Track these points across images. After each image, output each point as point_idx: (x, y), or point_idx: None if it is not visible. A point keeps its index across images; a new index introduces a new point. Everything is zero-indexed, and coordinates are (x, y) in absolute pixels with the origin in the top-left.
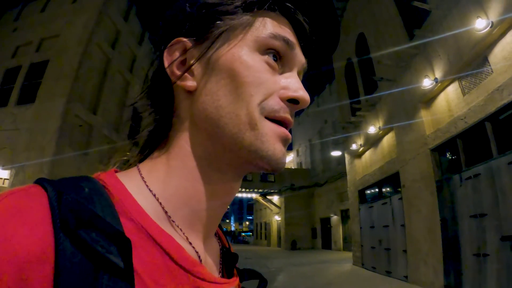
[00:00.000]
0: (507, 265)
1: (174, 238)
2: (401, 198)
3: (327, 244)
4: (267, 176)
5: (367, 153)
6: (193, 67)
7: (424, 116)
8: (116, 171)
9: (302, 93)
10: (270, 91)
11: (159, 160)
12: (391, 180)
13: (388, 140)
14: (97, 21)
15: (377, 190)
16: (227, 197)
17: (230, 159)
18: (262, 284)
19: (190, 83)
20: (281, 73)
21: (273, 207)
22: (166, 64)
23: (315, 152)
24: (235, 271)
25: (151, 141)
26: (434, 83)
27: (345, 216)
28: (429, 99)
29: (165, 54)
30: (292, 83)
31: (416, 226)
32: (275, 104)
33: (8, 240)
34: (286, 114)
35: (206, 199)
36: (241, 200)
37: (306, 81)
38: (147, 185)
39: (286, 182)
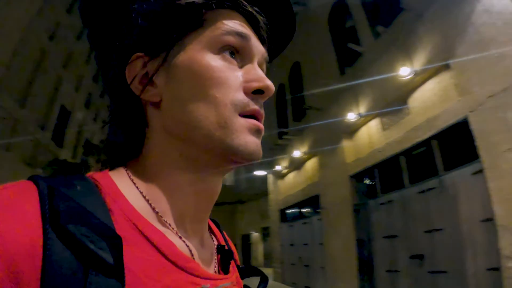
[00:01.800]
0: (416, 280)
1: (166, 235)
2: (320, 219)
3: (247, 260)
4: None
5: (291, 175)
6: (154, 78)
7: (346, 145)
8: (109, 170)
9: (265, 82)
10: (234, 88)
11: (139, 165)
12: (312, 201)
13: (311, 164)
14: (39, 8)
15: (298, 210)
16: (211, 195)
17: (206, 160)
18: (264, 282)
19: (154, 95)
20: (241, 66)
21: None
22: (128, 80)
23: (240, 170)
24: (232, 268)
25: (125, 151)
26: (358, 117)
27: (265, 234)
28: (352, 130)
29: (126, 71)
30: (253, 74)
31: (334, 245)
32: (242, 99)
33: None
34: (255, 106)
35: (191, 199)
36: None
37: None
38: (136, 185)
39: None
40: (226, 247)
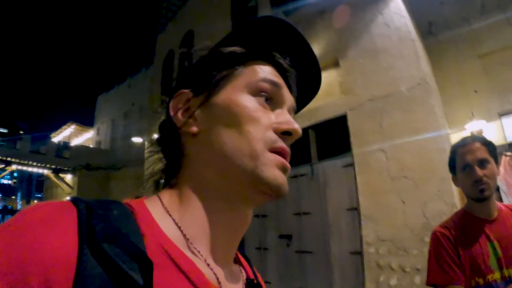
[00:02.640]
0: (284, 258)
1: (195, 262)
2: None
3: None
4: (62, 152)
5: None
6: (195, 113)
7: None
8: (145, 198)
9: (293, 125)
10: (265, 126)
11: (174, 193)
12: None
13: None
14: None
15: None
16: (241, 225)
17: (237, 190)
18: None
19: (194, 127)
20: (273, 110)
21: (65, 186)
22: (171, 113)
23: (117, 134)
24: None
25: (166, 177)
26: None
27: None
28: None
29: (170, 104)
30: (283, 118)
31: None
32: (272, 137)
33: (38, 244)
34: (283, 144)
35: (221, 227)
36: (30, 175)
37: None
38: (168, 213)
39: (82, 161)
40: (255, 281)
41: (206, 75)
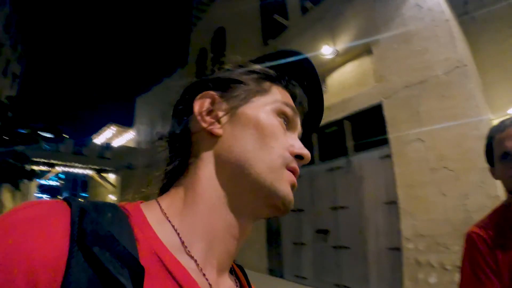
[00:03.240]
0: (320, 253)
1: (189, 270)
2: None
3: None
4: (104, 152)
5: None
6: (221, 116)
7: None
8: (141, 202)
9: (306, 151)
10: (284, 146)
11: (177, 196)
12: None
13: None
14: None
15: None
16: (242, 236)
17: (248, 200)
18: None
19: (218, 129)
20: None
21: (108, 185)
22: (197, 111)
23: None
24: None
25: (169, 178)
26: None
27: None
28: None
29: (196, 102)
30: (297, 142)
31: None
32: (289, 156)
33: (26, 244)
34: (296, 165)
35: (221, 236)
36: (75, 176)
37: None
38: (167, 217)
39: (124, 161)
40: None
41: (238, 85)
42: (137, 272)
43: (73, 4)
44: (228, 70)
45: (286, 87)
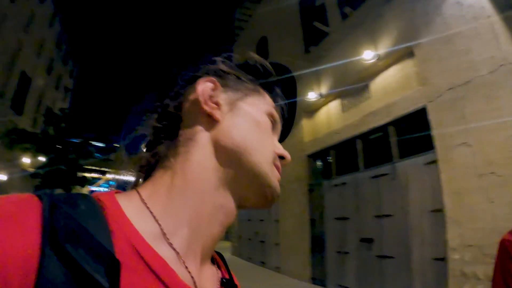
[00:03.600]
0: (364, 262)
1: (169, 261)
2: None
3: None
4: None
5: None
6: (221, 103)
7: (305, 124)
8: (116, 192)
9: (287, 153)
10: (273, 145)
11: (161, 180)
12: None
13: None
14: None
15: None
16: (227, 222)
17: (239, 187)
18: None
19: (219, 114)
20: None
21: None
22: (200, 91)
23: None
24: None
25: (153, 161)
26: (319, 97)
27: None
28: (312, 110)
29: (200, 84)
30: (278, 143)
31: (289, 222)
32: (275, 155)
33: None
34: (279, 164)
35: (207, 221)
36: (125, 183)
37: None
38: (147, 207)
39: None
40: (230, 281)
41: (238, 80)
42: (113, 267)
43: (121, 20)
44: (229, 64)
45: (272, 95)
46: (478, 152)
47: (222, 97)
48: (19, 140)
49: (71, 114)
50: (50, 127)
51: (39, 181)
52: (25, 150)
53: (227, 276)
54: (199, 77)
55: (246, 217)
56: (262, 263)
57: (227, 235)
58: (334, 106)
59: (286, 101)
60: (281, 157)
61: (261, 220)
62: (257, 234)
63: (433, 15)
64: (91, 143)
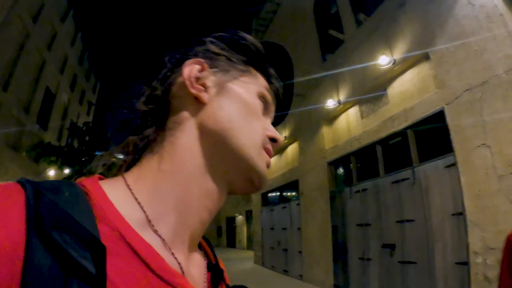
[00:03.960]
0: (387, 268)
1: (155, 247)
2: (299, 204)
3: (231, 243)
4: None
5: (272, 159)
6: (208, 85)
7: (325, 132)
8: (100, 178)
9: (279, 135)
10: (263, 128)
11: (148, 165)
12: (292, 186)
13: (292, 149)
14: None
15: (278, 194)
16: (214, 208)
17: (226, 170)
18: None
19: (206, 96)
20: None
21: None
22: (186, 74)
23: None
24: (222, 287)
25: (139, 146)
26: (337, 104)
27: (250, 217)
28: (331, 117)
29: (187, 66)
30: (271, 127)
31: (311, 230)
32: (265, 138)
33: None
34: (270, 147)
35: (194, 206)
36: None
37: None
38: (132, 193)
39: None
40: (216, 266)
41: (227, 61)
42: (99, 253)
43: (140, 35)
44: (218, 44)
45: (266, 75)
46: (497, 153)
47: (211, 79)
48: (44, 153)
49: (95, 127)
50: (75, 140)
51: None
52: (51, 163)
53: (213, 261)
54: (188, 59)
55: (268, 226)
56: (285, 272)
57: (250, 244)
58: (353, 112)
59: (281, 83)
60: (273, 140)
61: (284, 229)
62: (280, 243)
63: (446, 16)
64: (115, 155)
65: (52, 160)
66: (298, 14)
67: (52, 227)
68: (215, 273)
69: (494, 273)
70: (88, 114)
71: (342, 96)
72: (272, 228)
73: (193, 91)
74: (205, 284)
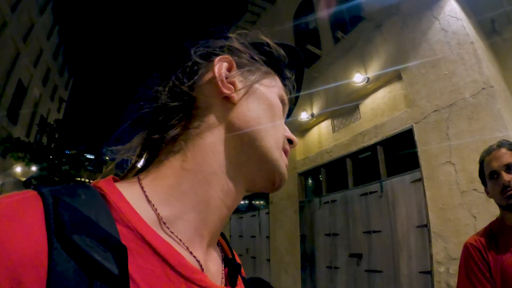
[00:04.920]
0: (354, 277)
1: (173, 245)
2: (268, 213)
3: None
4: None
5: None
6: (237, 85)
7: (297, 143)
8: (114, 179)
9: (295, 137)
10: (284, 129)
11: (168, 164)
12: (261, 195)
13: None
14: None
15: (247, 202)
16: (233, 205)
17: (250, 171)
18: None
19: (235, 95)
20: None
21: None
22: (216, 72)
23: None
24: (239, 281)
25: (156, 145)
26: (310, 117)
27: None
28: (303, 129)
29: (217, 64)
30: (287, 128)
31: (280, 239)
32: (285, 139)
33: (3, 244)
34: (288, 147)
35: (215, 205)
36: None
37: None
38: (146, 195)
39: None
40: (233, 260)
41: (253, 61)
42: (120, 253)
43: (118, 33)
44: (244, 43)
45: (282, 78)
46: (460, 170)
47: (239, 78)
48: (13, 148)
49: (65, 125)
50: (44, 137)
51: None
52: (18, 159)
53: (229, 256)
54: (214, 54)
55: (237, 234)
56: None
57: None
58: (325, 126)
59: (296, 85)
60: (289, 142)
61: (252, 236)
62: (248, 250)
63: (420, 40)
64: (85, 155)
65: (20, 156)
66: (278, 27)
67: (72, 231)
68: (231, 267)
69: (456, 281)
70: (58, 111)
71: (315, 110)
72: (241, 236)
73: (225, 90)
74: (223, 279)
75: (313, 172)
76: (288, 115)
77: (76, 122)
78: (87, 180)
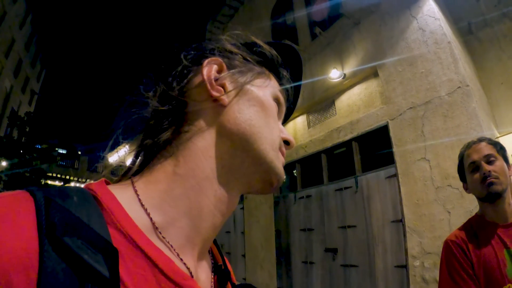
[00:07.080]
0: (329, 271)
1: (164, 251)
2: (242, 208)
3: None
4: (97, 167)
5: None
6: (227, 87)
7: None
8: (107, 182)
9: (292, 138)
10: (279, 130)
11: (161, 168)
12: None
13: None
14: None
15: None
16: (227, 211)
17: (245, 173)
18: None
19: (225, 98)
20: None
21: None
22: (205, 75)
23: None
24: (229, 287)
25: (150, 149)
26: None
27: None
28: None
29: (206, 67)
30: (284, 129)
31: (255, 234)
32: (281, 140)
33: None
34: (284, 149)
35: (208, 211)
36: None
37: None
38: (139, 199)
39: None
40: (223, 267)
41: (244, 61)
42: (111, 256)
43: (92, 24)
44: (235, 44)
45: (278, 77)
46: (435, 167)
47: (229, 79)
48: None
49: (36, 118)
50: (15, 131)
51: (1, 187)
52: None
53: (220, 262)
54: (205, 57)
55: None
56: None
57: None
58: (300, 121)
59: (293, 84)
60: (286, 143)
61: (227, 232)
62: (223, 246)
63: (397, 39)
64: (56, 150)
65: None
66: (255, 21)
67: (64, 233)
68: (221, 275)
69: (431, 275)
70: (30, 103)
71: None
72: None
73: (214, 93)
74: (212, 285)
75: (288, 167)
76: (288, 115)
77: (48, 116)
78: (59, 175)
